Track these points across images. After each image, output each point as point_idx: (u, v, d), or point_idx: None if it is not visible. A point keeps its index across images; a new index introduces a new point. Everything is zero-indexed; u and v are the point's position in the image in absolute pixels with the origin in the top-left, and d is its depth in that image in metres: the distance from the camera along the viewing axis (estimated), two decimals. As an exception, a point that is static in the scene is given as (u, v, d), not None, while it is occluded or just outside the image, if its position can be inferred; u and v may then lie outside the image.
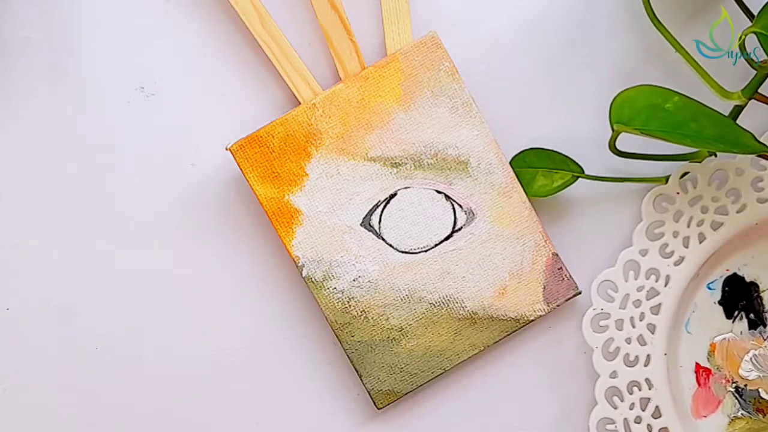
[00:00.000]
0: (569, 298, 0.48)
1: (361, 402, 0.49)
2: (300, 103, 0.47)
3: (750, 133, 0.43)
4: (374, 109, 0.47)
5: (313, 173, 0.47)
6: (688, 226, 0.47)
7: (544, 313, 0.48)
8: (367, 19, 0.48)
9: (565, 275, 0.47)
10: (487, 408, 0.49)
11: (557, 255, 0.47)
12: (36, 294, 0.48)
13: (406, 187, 0.47)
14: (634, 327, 0.47)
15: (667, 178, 0.48)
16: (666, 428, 0.47)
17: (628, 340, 0.47)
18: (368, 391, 0.47)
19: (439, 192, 0.47)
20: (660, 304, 0.47)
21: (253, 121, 0.47)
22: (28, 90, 0.48)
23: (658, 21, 0.46)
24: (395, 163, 0.47)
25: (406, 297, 0.47)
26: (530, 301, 0.47)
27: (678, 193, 0.47)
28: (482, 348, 0.47)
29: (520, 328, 0.48)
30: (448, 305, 0.47)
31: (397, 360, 0.47)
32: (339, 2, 0.47)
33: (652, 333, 0.47)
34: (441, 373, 0.48)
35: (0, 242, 0.48)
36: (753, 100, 0.45)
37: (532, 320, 0.48)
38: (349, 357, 0.47)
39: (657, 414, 0.47)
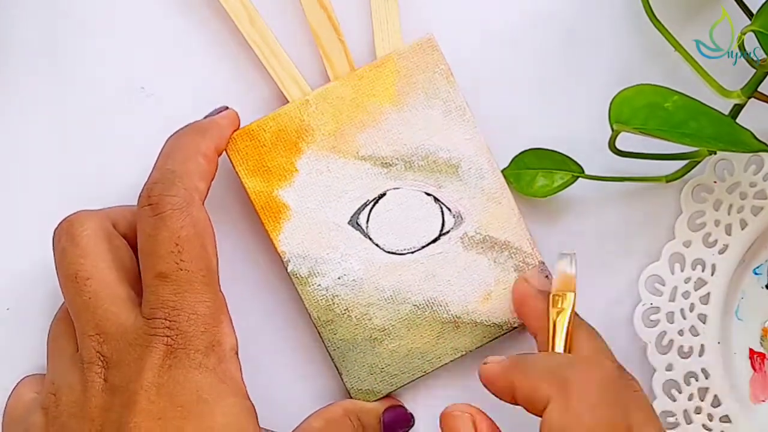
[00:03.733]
0: (554, 307, 0.48)
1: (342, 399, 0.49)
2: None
3: (749, 131, 0.43)
4: (367, 108, 0.47)
5: (303, 169, 0.47)
6: (729, 214, 0.48)
7: (528, 320, 0.47)
8: (356, 20, 0.48)
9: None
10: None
11: (543, 263, 0.47)
12: (36, 294, 0.48)
13: (395, 188, 0.47)
14: (685, 318, 0.48)
15: (666, 178, 0.48)
16: (726, 416, 0.47)
17: (681, 332, 0.48)
18: (348, 390, 0.47)
19: (429, 194, 0.47)
20: (709, 294, 0.48)
21: (247, 121, 0.47)
22: (27, 90, 0.48)
23: (658, 21, 0.46)
24: (386, 163, 0.47)
25: (390, 297, 0.47)
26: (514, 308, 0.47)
27: (715, 182, 0.47)
28: (464, 352, 0.47)
29: (503, 334, 0.48)
30: (432, 308, 0.47)
31: (378, 360, 0.47)
32: (328, 2, 0.47)
33: (704, 323, 0.48)
34: (422, 375, 0.47)
35: (0, 242, 0.48)
36: (753, 99, 0.45)
37: (516, 327, 0.47)
38: (330, 354, 0.47)
39: (716, 402, 0.48)
